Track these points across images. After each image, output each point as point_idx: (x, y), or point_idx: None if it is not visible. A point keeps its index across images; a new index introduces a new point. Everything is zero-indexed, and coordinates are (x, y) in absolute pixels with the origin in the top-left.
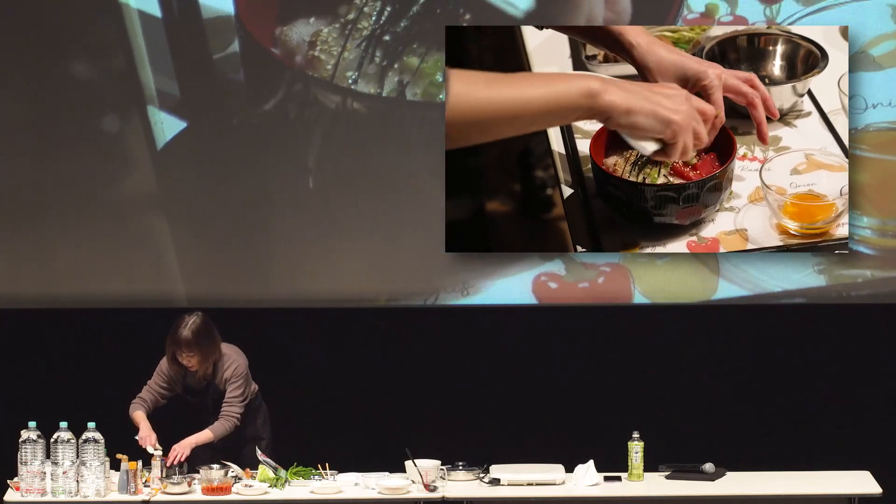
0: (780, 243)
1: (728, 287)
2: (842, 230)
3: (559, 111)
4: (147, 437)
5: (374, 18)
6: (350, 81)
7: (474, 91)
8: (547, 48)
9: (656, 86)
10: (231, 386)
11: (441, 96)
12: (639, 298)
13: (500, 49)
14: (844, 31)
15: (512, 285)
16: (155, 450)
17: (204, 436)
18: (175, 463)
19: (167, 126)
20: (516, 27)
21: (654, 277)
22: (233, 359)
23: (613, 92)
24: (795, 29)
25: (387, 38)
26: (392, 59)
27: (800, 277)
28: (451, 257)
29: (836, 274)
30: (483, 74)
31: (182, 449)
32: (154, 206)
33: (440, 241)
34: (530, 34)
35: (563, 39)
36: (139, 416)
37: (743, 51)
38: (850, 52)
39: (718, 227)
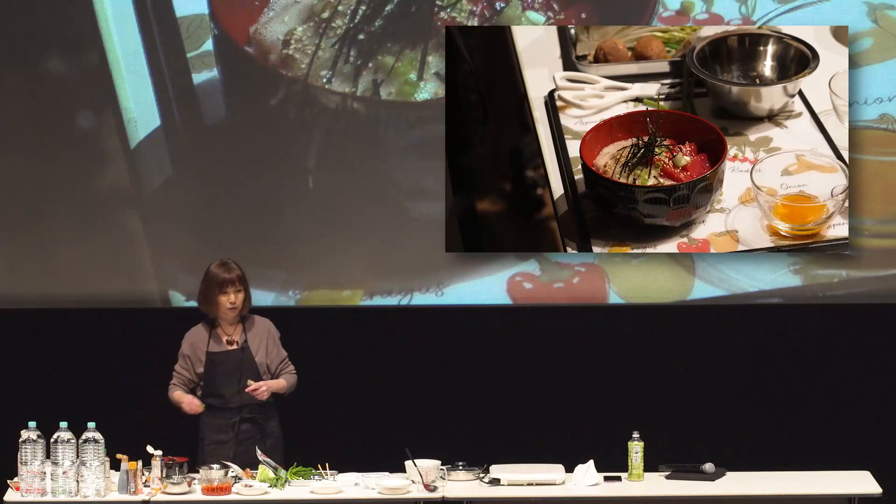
0: (771, 244)
1: (704, 287)
2: (840, 230)
3: None
4: (190, 403)
5: (348, 17)
6: (324, 80)
7: None
8: (537, 47)
9: None
10: (277, 351)
11: (415, 96)
12: (614, 299)
13: (490, 47)
14: (836, 32)
15: (487, 286)
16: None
17: (278, 383)
18: (255, 391)
19: (140, 125)
20: (506, 26)
21: (630, 277)
22: (261, 324)
23: None
24: (786, 29)
25: (361, 36)
26: (366, 58)
27: (774, 278)
28: (452, 257)
29: (812, 274)
30: None
31: (265, 388)
32: (154, 206)
33: (440, 240)
34: (520, 33)
35: (553, 39)
36: (178, 394)
37: (733, 51)
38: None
39: (709, 228)
